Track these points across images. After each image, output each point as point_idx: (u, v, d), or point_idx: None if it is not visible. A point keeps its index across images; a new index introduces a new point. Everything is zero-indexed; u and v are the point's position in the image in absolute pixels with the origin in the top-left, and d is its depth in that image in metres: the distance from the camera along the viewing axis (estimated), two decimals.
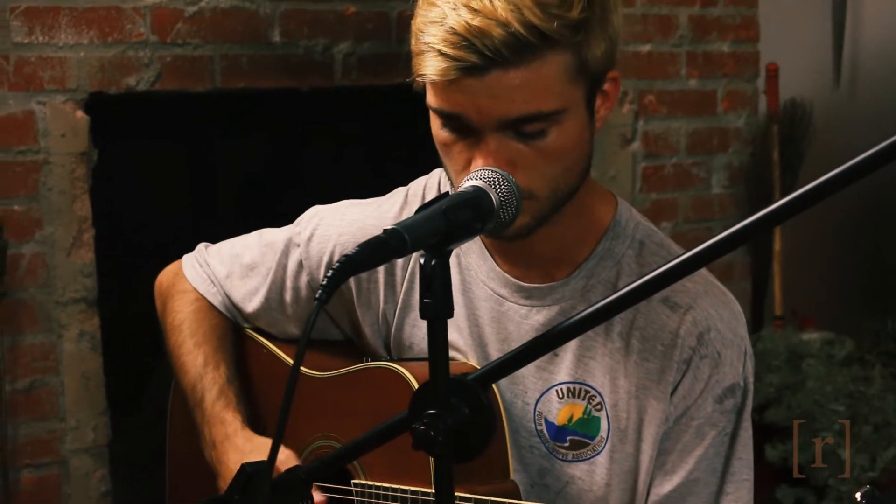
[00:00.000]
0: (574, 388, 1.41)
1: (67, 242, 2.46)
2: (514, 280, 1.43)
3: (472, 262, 1.46)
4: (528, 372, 1.42)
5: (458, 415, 1.11)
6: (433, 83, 1.27)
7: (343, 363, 1.50)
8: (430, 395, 1.12)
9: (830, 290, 3.66)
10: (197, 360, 1.57)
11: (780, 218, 1.06)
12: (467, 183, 1.21)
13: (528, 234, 1.33)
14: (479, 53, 1.21)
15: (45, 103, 2.42)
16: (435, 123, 1.31)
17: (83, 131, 2.45)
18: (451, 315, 1.11)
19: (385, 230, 1.07)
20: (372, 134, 3.03)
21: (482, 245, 1.46)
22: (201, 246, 1.68)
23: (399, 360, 1.47)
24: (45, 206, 2.43)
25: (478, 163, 1.26)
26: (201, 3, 2.56)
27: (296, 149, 3.03)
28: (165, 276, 1.69)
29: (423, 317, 1.11)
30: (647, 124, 3.24)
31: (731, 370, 1.38)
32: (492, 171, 1.22)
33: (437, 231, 1.10)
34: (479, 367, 1.41)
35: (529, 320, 1.42)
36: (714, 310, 1.39)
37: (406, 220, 1.09)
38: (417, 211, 1.12)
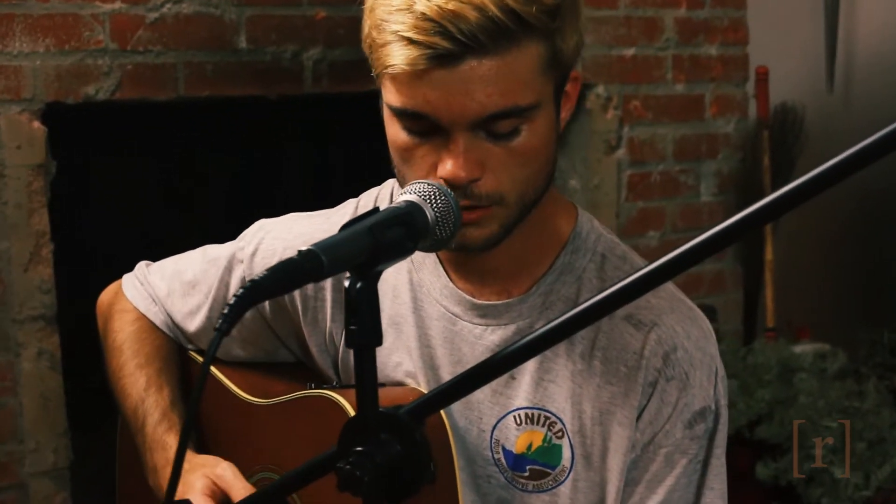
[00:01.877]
0: (533, 414, 1.32)
1: (24, 258, 2.38)
2: (468, 297, 1.35)
3: (424, 279, 1.38)
4: (483, 396, 1.34)
5: (389, 452, 1.03)
6: (397, 78, 1.17)
7: (288, 388, 1.42)
8: (359, 430, 1.03)
9: (824, 300, 3.59)
10: (138, 382, 1.50)
11: (749, 226, 0.96)
12: (401, 197, 1.12)
13: (494, 245, 1.25)
14: (452, 39, 1.12)
15: None
16: (393, 127, 1.22)
17: (40, 142, 2.37)
18: (379, 343, 1.03)
19: (300, 251, 0.98)
20: (343, 143, 2.94)
21: (436, 260, 1.37)
22: (142, 264, 1.61)
23: (343, 387, 1.39)
24: (0, 221, 2.35)
25: (446, 166, 1.18)
26: (163, 9, 2.48)
27: (264, 159, 2.94)
28: (106, 295, 1.61)
29: (348, 345, 1.03)
30: (632, 130, 3.16)
31: (701, 392, 1.30)
32: (427, 184, 1.13)
33: (360, 251, 1.01)
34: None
35: (484, 341, 1.34)
36: (680, 327, 1.30)
37: (326, 239, 1.00)
38: (342, 228, 1.03)
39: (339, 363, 1.43)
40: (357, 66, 2.67)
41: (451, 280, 1.36)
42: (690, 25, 3.22)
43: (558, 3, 1.18)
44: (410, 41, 1.13)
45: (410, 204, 1.10)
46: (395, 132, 1.22)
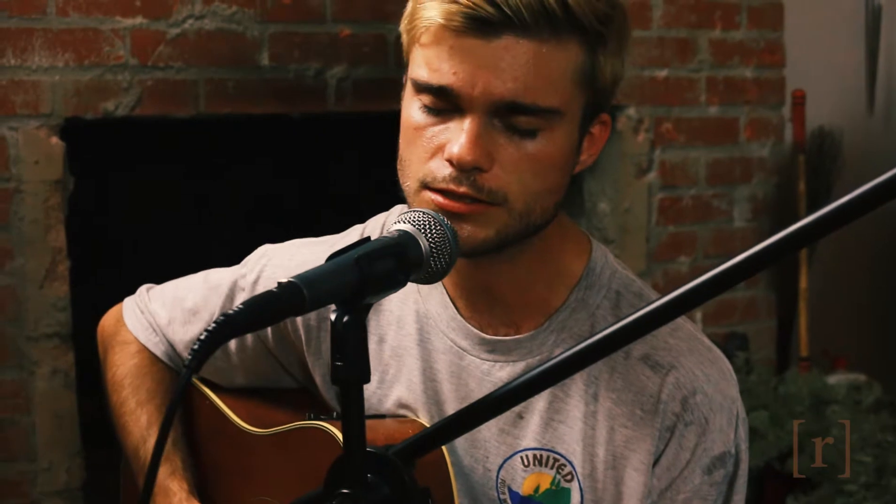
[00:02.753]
0: (541, 456, 1.27)
1: (40, 275, 2.35)
2: (476, 331, 1.29)
3: (431, 310, 1.33)
4: (489, 435, 1.29)
5: (376, 495, 0.98)
6: (428, 43, 1.14)
7: (288, 418, 1.38)
8: (345, 471, 0.98)
9: (861, 330, 3.50)
10: (140, 420, 1.46)
11: (774, 256, 0.90)
12: (394, 226, 1.07)
13: (485, 251, 1.19)
14: (495, 6, 1.11)
15: (17, 129, 2.32)
16: (410, 107, 1.18)
17: (58, 158, 2.35)
18: (366, 380, 0.98)
19: (279, 283, 0.93)
20: (367, 163, 2.90)
21: (443, 290, 1.32)
22: (143, 289, 1.57)
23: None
24: (16, 237, 2.33)
25: (453, 147, 1.14)
26: (185, 25, 2.45)
27: (286, 178, 2.90)
28: (107, 321, 1.58)
29: (334, 382, 0.99)
30: (663, 153, 3.10)
31: (721, 437, 1.24)
32: (422, 212, 1.08)
33: (346, 284, 0.97)
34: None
35: (491, 377, 1.28)
36: (700, 370, 1.24)
37: (309, 270, 0.96)
38: (328, 259, 0.98)
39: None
40: (382, 84, 2.65)
41: (458, 312, 1.31)
42: (725, 47, 3.16)
43: (610, 14, 1.16)
44: None
45: (403, 234, 1.05)
46: (410, 113, 1.19)
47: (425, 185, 1.18)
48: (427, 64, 1.15)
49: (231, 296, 1.44)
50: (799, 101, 3.26)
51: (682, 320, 1.26)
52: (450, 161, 1.15)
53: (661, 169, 3.09)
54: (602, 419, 1.24)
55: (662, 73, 3.07)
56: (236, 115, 2.52)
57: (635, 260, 3.03)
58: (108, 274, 2.63)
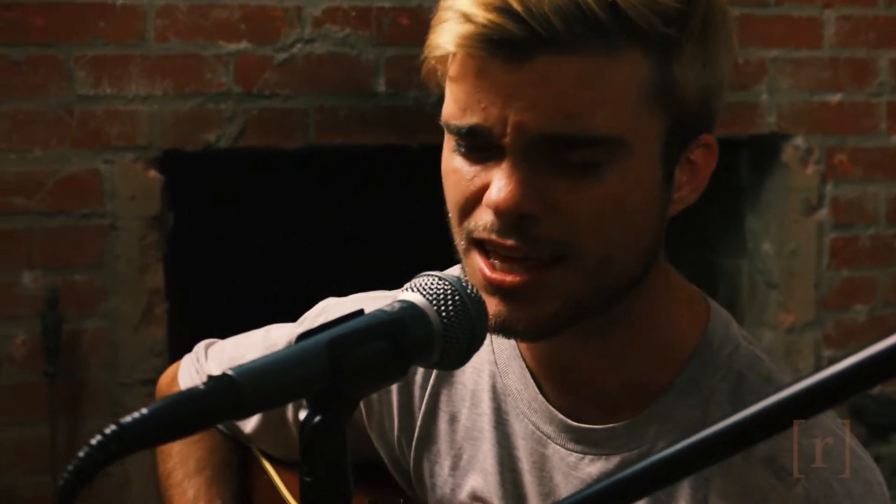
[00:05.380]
0: None
1: (135, 317, 2.29)
2: (561, 416, 1.08)
3: (510, 386, 1.13)
4: None
5: None
6: (454, 80, 0.95)
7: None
8: None
9: None
10: (186, 494, 1.33)
11: None
12: (400, 296, 0.86)
13: (553, 331, 0.99)
14: (521, 22, 0.90)
15: (112, 162, 2.26)
16: (447, 149, 1.00)
17: (155, 193, 2.28)
18: (347, 500, 0.79)
19: (210, 377, 0.72)
20: None
21: (523, 364, 1.12)
22: (201, 346, 1.43)
23: None
24: (110, 277, 2.27)
25: (492, 192, 0.93)
26: (293, 50, 2.36)
27: (402, 214, 2.75)
28: (163, 380, 1.45)
29: (303, 502, 0.78)
30: (836, 188, 2.83)
31: None
32: (438, 279, 0.86)
33: (312, 376, 0.75)
34: None
35: (579, 472, 1.08)
36: (837, 481, 1.01)
37: (261, 359, 0.75)
38: (298, 339, 0.78)
39: (411, 476, 1.21)
40: None
41: (540, 391, 1.10)
42: None
43: (683, 11, 0.93)
44: (467, 18, 0.92)
45: (407, 307, 0.83)
46: (448, 157, 1.00)
47: (472, 240, 0.99)
48: (455, 101, 0.96)
49: None
50: None
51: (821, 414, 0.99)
52: (491, 210, 0.95)
53: (833, 205, 2.84)
54: None
55: (835, 98, 2.82)
56: (349, 146, 2.40)
57: (803, 308, 2.81)
58: (208, 315, 2.54)
